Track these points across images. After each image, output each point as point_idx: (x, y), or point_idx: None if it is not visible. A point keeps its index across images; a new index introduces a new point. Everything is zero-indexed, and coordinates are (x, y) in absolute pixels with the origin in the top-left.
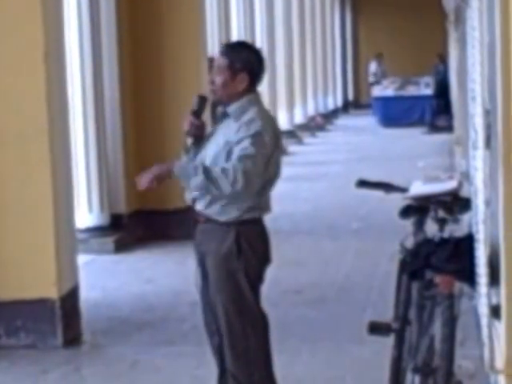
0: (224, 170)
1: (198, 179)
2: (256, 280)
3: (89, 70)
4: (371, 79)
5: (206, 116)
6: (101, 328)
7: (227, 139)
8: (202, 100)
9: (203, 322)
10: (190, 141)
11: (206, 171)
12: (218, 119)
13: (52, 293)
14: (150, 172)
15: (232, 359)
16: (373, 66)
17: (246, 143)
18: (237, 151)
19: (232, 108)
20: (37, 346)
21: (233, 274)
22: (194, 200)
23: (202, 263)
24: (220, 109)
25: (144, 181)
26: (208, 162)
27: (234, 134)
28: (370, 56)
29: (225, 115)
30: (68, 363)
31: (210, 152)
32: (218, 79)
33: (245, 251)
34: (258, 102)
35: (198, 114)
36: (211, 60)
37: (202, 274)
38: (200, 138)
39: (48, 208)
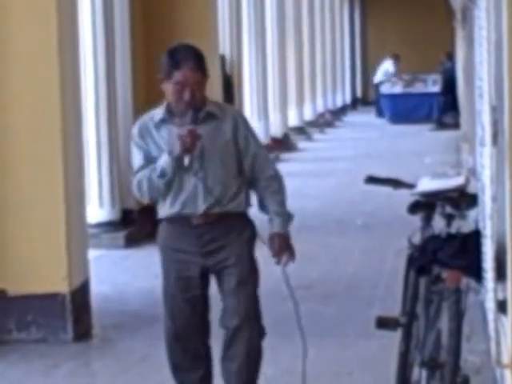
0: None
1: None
2: None
3: (102, 67)
4: (382, 78)
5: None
6: (111, 322)
7: (225, 139)
8: (196, 111)
9: (181, 348)
10: (186, 160)
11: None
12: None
13: (63, 287)
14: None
15: (256, 344)
16: (388, 66)
17: (257, 140)
18: (259, 151)
19: (212, 109)
20: (47, 340)
21: (254, 260)
22: (212, 205)
23: (203, 270)
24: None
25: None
26: (214, 168)
27: (231, 131)
28: (378, 53)
29: (205, 118)
30: (78, 357)
31: (212, 155)
32: (199, 92)
33: (254, 237)
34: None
35: (194, 123)
36: (223, 58)
37: (201, 282)
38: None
39: (59, 203)
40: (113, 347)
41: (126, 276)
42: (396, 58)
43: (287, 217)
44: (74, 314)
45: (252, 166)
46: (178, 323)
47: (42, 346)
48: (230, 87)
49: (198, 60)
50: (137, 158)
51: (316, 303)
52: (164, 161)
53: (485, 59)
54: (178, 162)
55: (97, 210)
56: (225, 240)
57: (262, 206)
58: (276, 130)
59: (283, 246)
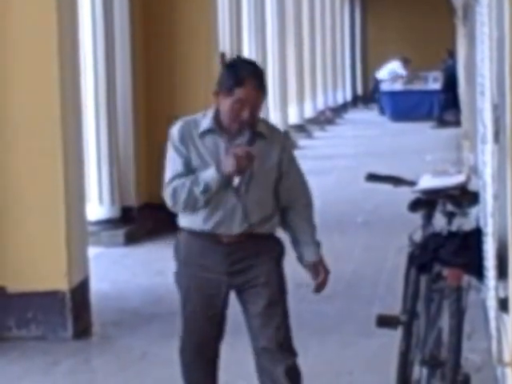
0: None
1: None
2: None
3: (101, 64)
4: (387, 76)
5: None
6: (110, 320)
7: (272, 162)
8: (254, 133)
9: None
10: (236, 180)
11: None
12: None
13: (62, 285)
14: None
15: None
16: (395, 66)
17: (298, 165)
18: (299, 177)
19: (262, 129)
20: (47, 337)
21: (283, 279)
22: (247, 228)
23: (227, 289)
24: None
25: None
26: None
27: (277, 153)
28: (379, 50)
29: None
30: (78, 355)
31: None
32: (257, 112)
33: (283, 255)
34: None
35: (250, 144)
36: (223, 55)
37: (224, 300)
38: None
39: (59, 200)
40: (112, 344)
41: (126, 274)
42: (405, 61)
43: (319, 243)
44: (74, 311)
45: (289, 191)
46: (198, 339)
47: (41, 344)
48: None
49: (261, 79)
50: (174, 164)
51: (316, 301)
52: (211, 176)
53: (486, 56)
54: (226, 180)
55: (96, 208)
56: (254, 260)
57: (287, 228)
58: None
59: (327, 276)
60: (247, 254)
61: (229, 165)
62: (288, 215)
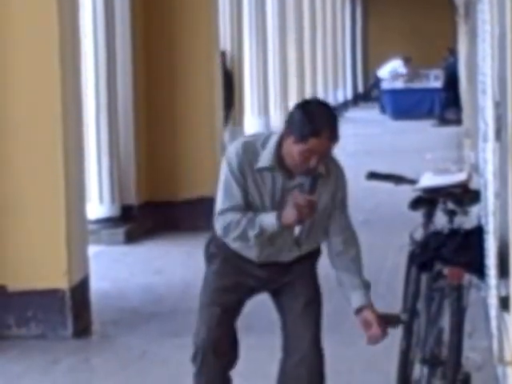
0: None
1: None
2: None
3: (102, 62)
4: (388, 75)
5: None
6: (110, 319)
7: (326, 201)
8: (316, 179)
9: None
10: (297, 230)
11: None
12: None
13: (62, 283)
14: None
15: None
16: (397, 65)
17: (347, 201)
18: (346, 213)
19: (321, 170)
20: (47, 336)
21: (318, 281)
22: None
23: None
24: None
25: None
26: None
27: (332, 191)
28: (379, 48)
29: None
30: (78, 353)
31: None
32: (326, 159)
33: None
34: None
35: (312, 192)
36: (223, 54)
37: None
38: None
39: (59, 198)
40: (112, 343)
41: (126, 272)
42: (407, 60)
43: (368, 285)
44: (74, 310)
45: (338, 226)
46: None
47: (41, 342)
48: (231, 83)
49: (336, 128)
50: (232, 192)
51: None
52: (270, 224)
53: (488, 54)
54: (285, 227)
55: (96, 206)
56: (292, 268)
57: (335, 265)
58: (277, 125)
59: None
60: (287, 267)
61: (290, 216)
62: (333, 247)
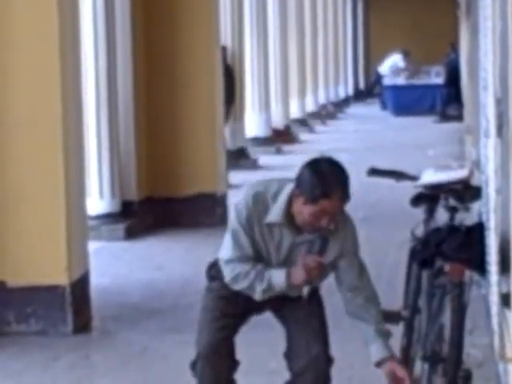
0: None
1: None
2: None
3: (102, 58)
4: (389, 71)
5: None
6: (110, 315)
7: (333, 257)
8: (326, 239)
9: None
10: (305, 290)
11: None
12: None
13: (62, 279)
14: None
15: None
16: (397, 59)
17: (358, 250)
18: (359, 261)
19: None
20: (47, 332)
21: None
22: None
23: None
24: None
25: None
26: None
27: (339, 248)
28: (381, 44)
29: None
30: (78, 349)
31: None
32: (336, 218)
33: None
34: None
35: (322, 253)
36: (224, 49)
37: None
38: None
39: (60, 194)
40: (112, 339)
41: (126, 268)
42: (406, 54)
43: (388, 335)
44: (74, 306)
45: (346, 273)
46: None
47: (41, 339)
48: (232, 79)
49: (348, 188)
50: (240, 242)
51: None
52: (279, 282)
53: (490, 50)
54: (293, 287)
55: (97, 202)
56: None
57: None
58: (278, 121)
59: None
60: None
61: (299, 276)
62: (350, 306)
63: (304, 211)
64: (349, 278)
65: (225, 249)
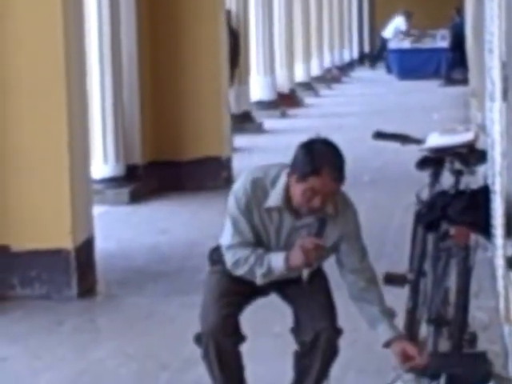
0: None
1: None
2: None
3: (106, 22)
4: (392, 35)
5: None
6: (115, 279)
7: (333, 241)
8: (323, 221)
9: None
10: (305, 273)
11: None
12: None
13: (67, 243)
14: None
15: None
16: (399, 22)
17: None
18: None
19: (329, 210)
20: (51, 296)
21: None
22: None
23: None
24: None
25: None
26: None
27: (340, 233)
28: (386, 8)
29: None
30: (82, 314)
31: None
32: (330, 201)
33: None
34: None
35: (320, 235)
36: (228, 13)
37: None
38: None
39: (64, 158)
40: (117, 303)
41: (131, 232)
42: (408, 16)
43: (392, 314)
44: (79, 270)
45: (347, 257)
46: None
47: (45, 303)
48: (237, 42)
49: (341, 169)
50: (240, 227)
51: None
52: (278, 266)
53: (495, 14)
54: (292, 270)
55: (101, 166)
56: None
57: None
58: (283, 85)
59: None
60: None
61: (297, 258)
62: (353, 290)
63: (296, 191)
64: (350, 261)
65: (225, 235)
